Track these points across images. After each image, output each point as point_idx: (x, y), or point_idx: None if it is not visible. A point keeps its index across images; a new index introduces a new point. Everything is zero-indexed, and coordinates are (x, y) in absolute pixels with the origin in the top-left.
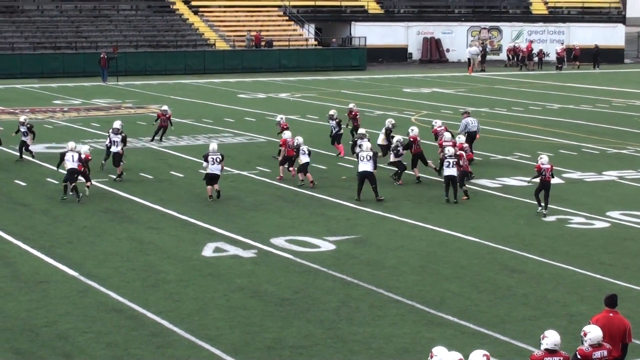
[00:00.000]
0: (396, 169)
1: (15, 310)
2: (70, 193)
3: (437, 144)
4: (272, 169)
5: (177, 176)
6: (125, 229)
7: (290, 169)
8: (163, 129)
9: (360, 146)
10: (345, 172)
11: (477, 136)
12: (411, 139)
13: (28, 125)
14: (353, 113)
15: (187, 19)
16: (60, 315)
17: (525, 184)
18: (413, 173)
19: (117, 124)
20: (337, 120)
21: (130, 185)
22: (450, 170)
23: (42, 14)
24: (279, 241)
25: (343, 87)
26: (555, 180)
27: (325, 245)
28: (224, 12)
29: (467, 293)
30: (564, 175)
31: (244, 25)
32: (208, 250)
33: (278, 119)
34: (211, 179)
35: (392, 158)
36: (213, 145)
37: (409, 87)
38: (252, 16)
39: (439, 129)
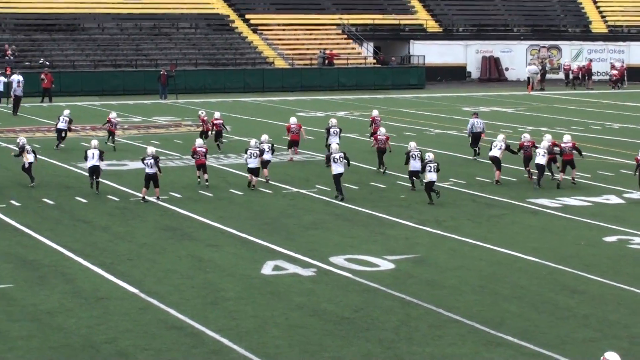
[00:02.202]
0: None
1: (75, 327)
2: (93, 188)
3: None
4: (331, 187)
5: (237, 194)
6: (185, 246)
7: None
8: (217, 134)
9: (329, 147)
10: (405, 191)
11: (482, 135)
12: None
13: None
14: (377, 120)
15: (247, 37)
16: (121, 332)
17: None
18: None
19: (150, 150)
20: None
21: (190, 202)
22: (431, 175)
23: (103, 32)
24: (338, 260)
25: (401, 105)
26: (616, 200)
27: (385, 264)
28: (283, 30)
29: (527, 313)
30: (625, 195)
31: (303, 44)
32: (267, 269)
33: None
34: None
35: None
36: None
37: (468, 105)
38: (310, 34)
39: (526, 143)
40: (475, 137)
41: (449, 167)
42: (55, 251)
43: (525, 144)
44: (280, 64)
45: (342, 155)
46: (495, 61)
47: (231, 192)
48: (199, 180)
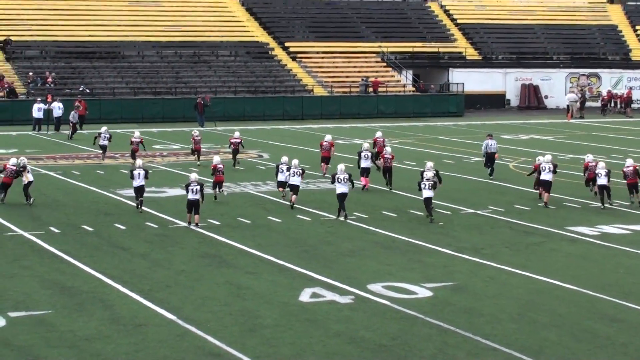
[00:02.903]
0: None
1: (114, 353)
2: (138, 208)
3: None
4: (369, 215)
5: (275, 221)
6: (222, 273)
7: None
8: (234, 153)
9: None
10: (442, 218)
11: (496, 156)
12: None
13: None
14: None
15: (286, 65)
16: (159, 358)
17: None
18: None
19: (194, 176)
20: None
21: (228, 230)
22: (428, 192)
23: (143, 59)
24: (376, 287)
25: (440, 133)
26: None
27: (423, 291)
28: (322, 58)
29: (566, 342)
30: None
31: (342, 72)
32: (305, 296)
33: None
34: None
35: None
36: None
37: (507, 133)
38: (349, 62)
39: (591, 163)
40: (490, 157)
41: (487, 195)
42: (94, 278)
43: (590, 164)
44: (319, 91)
45: (347, 176)
46: (535, 89)
47: (269, 220)
48: (215, 197)
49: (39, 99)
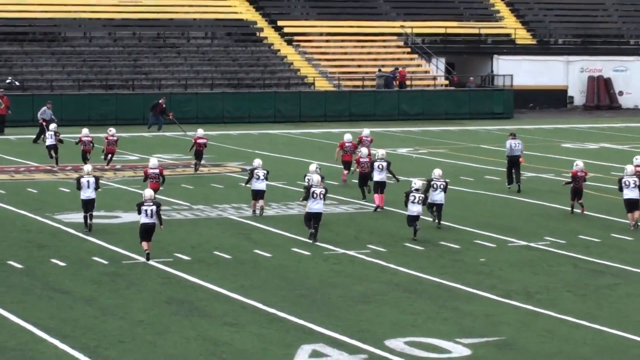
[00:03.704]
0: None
1: None
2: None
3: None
4: (388, 247)
5: (263, 256)
6: (194, 324)
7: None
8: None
9: (309, 180)
10: (485, 253)
11: (521, 160)
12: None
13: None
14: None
15: (279, 50)
16: None
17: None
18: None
19: (149, 194)
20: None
21: (201, 267)
22: (415, 207)
23: (90, 42)
24: (397, 344)
25: (482, 140)
26: None
27: (458, 349)
28: (327, 42)
29: None
30: None
31: (353, 60)
32: (303, 355)
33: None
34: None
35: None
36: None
37: (570, 141)
38: (362, 47)
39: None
40: (512, 161)
41: (543, 221)
42: (23, 330)
43: None
44: (322, 85)
45: (323, 191)
46: (606, 83)
47: (256, 254)
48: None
49: None
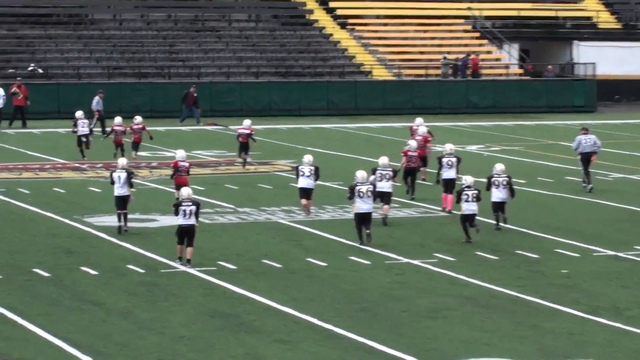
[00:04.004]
0: None
1: None
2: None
3: None
4: (457, 256)
5: (318, 265)
6: (241, 341)
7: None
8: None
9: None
10: (568, 263)
11: (593, 158)
12: None
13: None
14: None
15: (331, 34)
16: None
17: None
18: None
19: (187, 192)
20: None
21: (249, 277)
22: (470, 206)
23: (121, 26)
24: None
25: (561, 137)
26: None
27: None
28: (385, 25)
29: None
30: None
31: (415, 46)
32: None
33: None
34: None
35: None
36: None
37: None
38: (425, 31)
39: None
40: (585, 158)
41: (633, 228)
42: (52, 346)
43: None
44: (380, 74)
45: (370, 188)
46: None
47: (309, 262)
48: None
49: None
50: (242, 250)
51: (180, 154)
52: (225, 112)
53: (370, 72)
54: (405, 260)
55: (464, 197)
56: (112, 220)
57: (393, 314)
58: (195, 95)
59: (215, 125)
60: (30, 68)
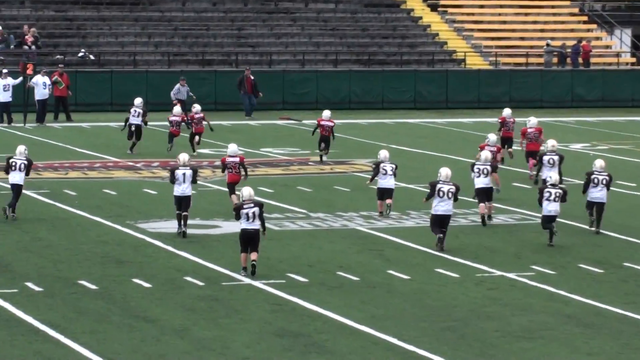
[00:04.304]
0: None
1: None
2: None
3: None
4: (557, 269)
5: (400, 278)
6: None
7: None
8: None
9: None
10: None
11: None
12: None
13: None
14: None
15: (420, 18)
16: None
17: None
18: None
19: (249, 192)
20: None
21: (321, 291)
22: (552, 206)
23: (183, 7)
24: None
25: None
26: None
27: None
28: (480, 7)
29: None
30: None
31: (513, 31)
32: None
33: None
34: None
35: None
36: None
37: None
38: (526, 14)
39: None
40: None
41: None
42: None
43: None
44: (475, 62)
45: (452, 189)
46: None
47: (390, 275)
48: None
49: (4, 71)
50: (315, 261)
51: (231, 148)
52: (299, 105)
53: (463, 61)
54: (499, 273)
55: (545, 195)
56: (169, 226)
57: (484, 333)
58: (252, 79)
59: (289, 119)
60: (80, 54)
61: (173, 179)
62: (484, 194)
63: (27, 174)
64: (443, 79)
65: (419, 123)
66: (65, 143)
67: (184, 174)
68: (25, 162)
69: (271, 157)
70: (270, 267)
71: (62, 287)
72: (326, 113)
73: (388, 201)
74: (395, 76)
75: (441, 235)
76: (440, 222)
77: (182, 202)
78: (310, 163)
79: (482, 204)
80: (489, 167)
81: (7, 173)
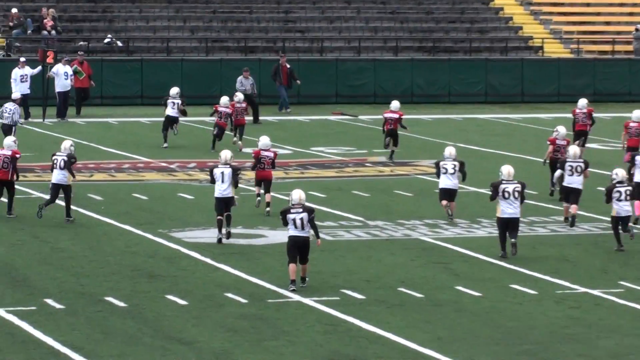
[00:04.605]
0: None
1: None
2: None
3: None
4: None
5: (470, 295)
6: None
7: None
8: None
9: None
10: None
11: None
12: None
13: None
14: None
15: (491, 0)
16: None
17: None
18: None
19: (298, 195)
20: None
21: (381, 309)
22: (623, 206)
23: None
24: None
25: None
26: None
27: None
28: None
29: None
30: None
31: (598, 14)
32: None
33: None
34: None
35: None
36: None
37: None
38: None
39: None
40: None
41: None
42: None
43: None
44: (554, 50)
45: (519, 187)
46: None
47: (459, 292)
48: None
49: (22, 59)
50: (373, 275)
51: (263, 141)
52: (354, 98)
53: (540, 48)
54: (582, 289)
55: (615, 195)
56: (207, 235)
57: (565, 358)
58: (288, 67)
59: (343, 114)
60: (106, 40)
61: (213, 179)
62: (572, 194)
63: (70, 172)
64: (518, 68)
65: (491, 119)
66: (89, 141)
67: (222, 173)
68: (65, 158)
69: (323, 157)
70: (322, 282)
71: (86, 305)
72: (395, 104)
73: (447, 203)
74: (463, 66)
75: (513, 240)
76: (507, 226)
77: (223, 205)
78: (367, 164)
79: (572, 205)
80: (582, 164)
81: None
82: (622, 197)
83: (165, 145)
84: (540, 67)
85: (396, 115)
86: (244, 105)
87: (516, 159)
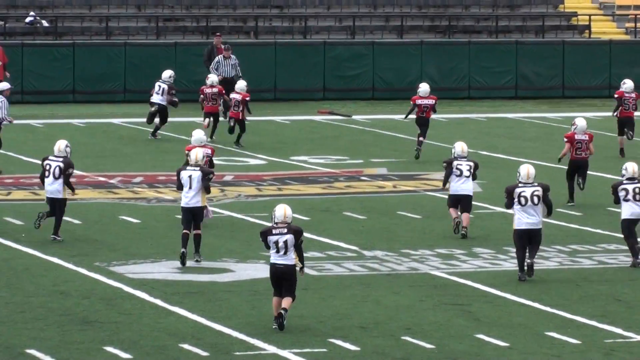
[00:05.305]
0: None
1: None
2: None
3: None
4: None
5: (494, 345)
6: None
7: None
8: None
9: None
10: None
11: None
12: None
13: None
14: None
15: None
16: None
17: None
18: None
19: (279, 212)
20: None
21: None
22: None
23: None
24: None
25: None
26: None
27: None
28: None
29: None
30: None
31: None
32: None
33: None
34: None
35: None
36: None
37: None
38: None
39: None
40: None
41: None
42: None
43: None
44: (605, 30)
45: (538, 191)
46: None
47: (480, 341)
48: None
49: None
50: (370, 320)
51: (196, 136)
52: (347, 93)
53: (587, 28)
54: (637, 338)
55: (621, 194)
56: (157, 270)
57: None
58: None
59: (332, 113)
60: (28, 19)
61: (180, 184)
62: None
63: (65, 181)
64: (558, 54)
65: (521, 118)
66: (6, 149)
67: (190, 177)
68: (62, 165)
69: (306, 169)
70: (305, 329)
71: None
72: (424, 87)
73: (464, 216)
74: (487, 50)
75: (528, 262)
76: (525, 238)
77: (190, 217)
78: (363, 178)
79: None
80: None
81: (42, 181)
82: (630, 196)
83: (151, 137)
84: (586, 52)
85: (432, 101)
86: (215, 90)
87: (554, 171)
